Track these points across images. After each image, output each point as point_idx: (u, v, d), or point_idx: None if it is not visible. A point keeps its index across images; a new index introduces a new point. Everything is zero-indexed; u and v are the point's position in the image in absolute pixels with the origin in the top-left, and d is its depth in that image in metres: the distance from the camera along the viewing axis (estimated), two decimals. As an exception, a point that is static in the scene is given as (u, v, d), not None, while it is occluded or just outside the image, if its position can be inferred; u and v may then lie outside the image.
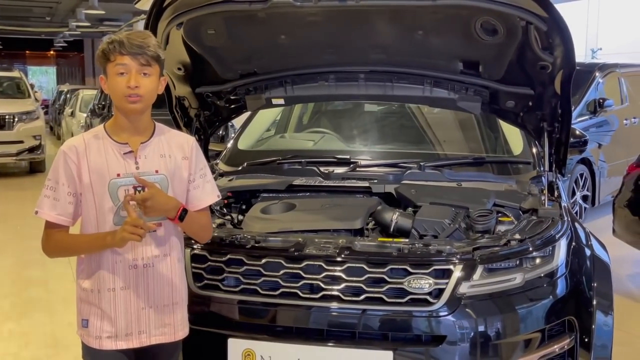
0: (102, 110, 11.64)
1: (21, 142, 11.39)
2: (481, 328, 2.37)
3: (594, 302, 2.68)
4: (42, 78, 37.86)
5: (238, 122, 4.26)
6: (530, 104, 3.12)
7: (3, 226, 7.83)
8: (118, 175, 2.13)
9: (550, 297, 2.53)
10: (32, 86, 13.85)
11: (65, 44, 30.75)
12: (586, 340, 2.59)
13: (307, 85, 3.32)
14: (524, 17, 2.63)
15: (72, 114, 15.39)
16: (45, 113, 16.94)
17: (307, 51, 3.16)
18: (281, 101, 3.41)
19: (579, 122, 7.90)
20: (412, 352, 2.35)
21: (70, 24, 22.17)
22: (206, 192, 2.29)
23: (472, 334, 2.36)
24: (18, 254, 6.52)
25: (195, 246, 2.63)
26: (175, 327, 2.25)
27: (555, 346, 2.48)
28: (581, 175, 7.95)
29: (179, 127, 3.46)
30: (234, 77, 3.35)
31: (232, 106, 3.54)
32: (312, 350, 2.39)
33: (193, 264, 2.59)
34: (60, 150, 2.17)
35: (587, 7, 14.69)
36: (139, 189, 2.12)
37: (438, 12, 2.75)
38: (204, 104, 3.47)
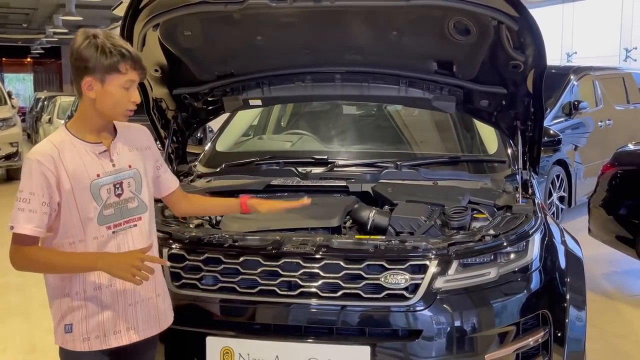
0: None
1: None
2: (457, 322, 2.40)
3: (568, 297, 2.72)
4: (19, 85, 37.49)
5: (215, 125, 4.27)
6: (504, 103, 3.17)
7: None
8: (98, 175, 2.11)
9: (525, 291, 2.57)
10: (9, 94, 13.71)
11: (42, 51, 30.55)
12: (560, 334, 2.63)
13: (284, 86, 3.35)
14: (496, 16, 2.68)
15: (50, 121, 15.28)
16: (23, 120, 16.79)
17: (284, 52, 3.19)
18: (258, 102, 3.43)
19: (554, 124, 8.01)
20: (390, 347, 2.38)
21: (47, 30, 22.03)
22: (172, 175, 2.46)
23: (447, 327, 2.39)
24: (-5, 261, 6.47)
25: (173, 246, 2.64)
26: (159, 319, 2.27)
27: (530, 339, 2.52)
28: (557, 176, 8.06)
29: (156, 129, 3.47)
30: (211, 79, 3.37)
31: (210, 108, 3.56)
32: (291, 347, 2.41)
33: (171, 264, 2.59)
34: (31, 159, 2.06)
35: (561, 12, 14.90)
36: (117, 185, 2.14)
37: (411, 13, 2.79)
38: (181, 106, 3.48)
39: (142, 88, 3.33)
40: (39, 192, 2.03)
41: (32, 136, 20.44)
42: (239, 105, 3.47)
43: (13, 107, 12.82)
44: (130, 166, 2.19)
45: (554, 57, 14.12)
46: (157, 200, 3.02)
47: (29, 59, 36.58)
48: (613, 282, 5.84)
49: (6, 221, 2.09)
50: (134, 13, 2.87)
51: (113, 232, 2.14)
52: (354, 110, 4.38)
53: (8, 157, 11.57)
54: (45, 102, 18.58)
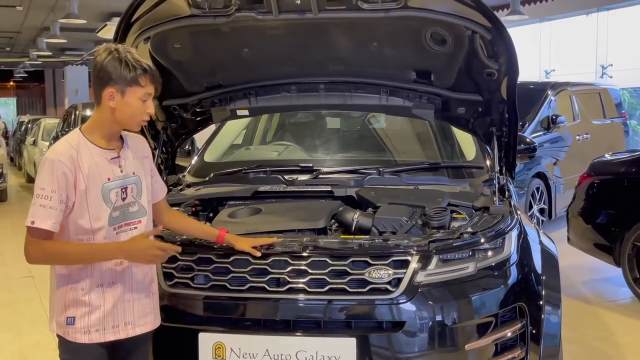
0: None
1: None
2: (438, 313, 2.52)
3: (543, 293, 2.84)
4: (2, 109, 37.31)
5: (200, 140, 4.40)
6: (480, 109, 3.32)
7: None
8: (109, 179, 2.27)
9: (502, 285, 2.70)
10: None
11: (26, 74, 30.46)
12: (535, 330, 2.74)
13: (270, 96, 3.48)
14: (469, 26, 2.84)
15: (34, 143, 15.27)
16: (6, 144, 16.76)
17: (270, 63, 3.32)
18: (245, 112, 3.56)
19: (534, 138, 8.21)
20: (374, 338, 2.49)
21: (31, 53, 22.02)
22: (162, 185, 2.60)
23: (429, 319, 2.51)
24: (-17, 279, 6.51)
25: (165, 247, 2.74)
26: (155, 316, 2.42)
27: (507, 330, 2.64)
28: (537, 189, 8.23)
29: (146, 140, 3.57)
30: (200, 90, 3.49)
31: (198, 118, 3.67)
32: (280, 340, 2.51)
33: (164, 264, 2.69)
34: (51, 158, 2.19)
35: (539, 31, 15.24)
36: (123, 189, 2.30)
37: (390, 24, 2.94)
38: (170, 117, 3.59)
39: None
40: (59, 190, 2.16)
41: (15, 159, 20.36)
42: (226, 115, 3.59)
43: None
44: (134, 173, 2.36)
45: (532, 75, 14.41)
46: None
47: (11, 83, 36.47)
48: (592, 288, 5.99)
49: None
50: (126, 26, 2.98)
51: (116, 233, 2.29)
52: (338, 124, 4.52)
53: (-7, 177, 11.58)
54: (29, 125, 18.60)
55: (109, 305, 2.27)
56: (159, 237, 2.80)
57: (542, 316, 2.77)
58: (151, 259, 2.27)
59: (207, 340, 2.55)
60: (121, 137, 2.37)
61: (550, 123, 8.56)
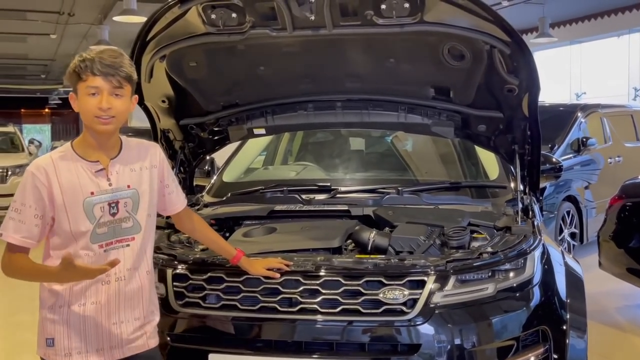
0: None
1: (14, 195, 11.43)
2: (455, 336, 2.43)
3: (568, 317, 2.73)
4: (37, 136, 38.15)
5: (220, 160, 4.39)
6: (501, 127, 3.24)
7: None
8: (92, 193, 2.12)
9: (523, 307, 2.59)
10: (31, 142, 14.09)
11: (60, 101, 31.13)
12: (558, 357, 2.62)
13: (286, 114, 3.45)
14: (488, 41, 2.77)
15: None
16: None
17: (286, 81, 3.30)
18: (262, 131, 3.53)
19: (563, 160, 8.06)
20: (388, 362, 2.40)
21: (64, 80, 22.50)
22: (180, 195, 2.44)
23: (446, 342, 2.41)
24: (7, 301, 6.53)
25: (178, 267, 2.70)
26: (148, 336, 2.25)
27: (530, 355, 2.53)
28: (568, 212, 8.05)
29: None
30: (217, 109, 3.47)
31: (216, 138, 3.65)
32: (291, 362, 2.44)
33: (174, 283, 2.65)
34: (27, 171, 2.10)
35: (569, 54, 15.07)
36: (112, 204, 2.15)
37: (407, 40, 2.89)
38: (188, 136, 3.58)
39: (150, 119, 3.44)
40: (31, 204, 2.06)
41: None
42: (243, 134, 3.57)
43: (30, 153, 13.10)
44: (129, 186, 2.19)
45: (563, 98, 14.22)
46: (165, 226, 3.10)
47: (46, 110, 37.32)
48: (626, 315, 5.78)
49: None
50: (141, 45, 2.98)
51: (105, 251, 2.14)
52: (363, 146, 4.46)
53: (24, 202, 11.74)
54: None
55: (92, 325, 2.13)
56: (172, 256, 2.77)
57: (567, 341, 2.66)
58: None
59: (217, 362, 2.49)
60: (120, 148, 2.22)
61: (580, 145, 8.40)
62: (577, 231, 8.19)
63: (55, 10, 12.42)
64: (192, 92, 3.33)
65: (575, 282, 2.95)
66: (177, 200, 2.45)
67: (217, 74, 3.25)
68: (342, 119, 3.43)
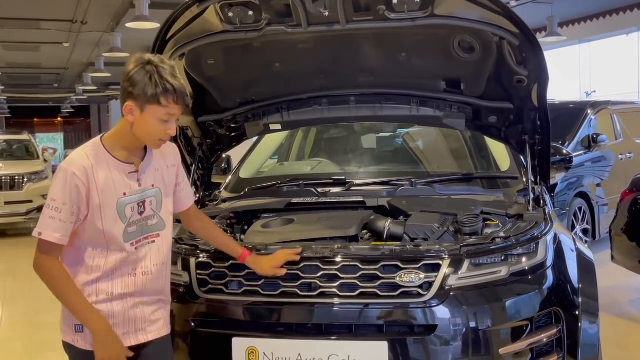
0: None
1: (30, 201, 11.54)
2: (470, 317, 2.50)
3: (580, 301, 2.78)
4: (50, 144, 38.49)
5: (236, 159, 4.49)
6: (511, 117, 3.31)
7: (15, 280, 7.98)
8: (124, 194, 2.20)
9: (536, 289, 2.66)
10: (45, 150, 14.30)
11: (72, 110, 31.43)
12: (571, 340, 2.68)
13: (302, 110, 3.54)
14: (497, 33, 2.85)
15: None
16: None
17: (300, 77, 3.39)
18: (278, 126, 3.62)
19: (575, 158, 8.10)
20: (406, 342, 2.48)
21: (77, 88, 22.75)
22: (189, 193, 2.54)
23: (461, 322, 2.49)
24: (29, 303, 6.66)
25: (200, 255, 2.79)
26: (165, 322, 2.38)
27: (543, 335, 2.60)
28: (580, 209, 8.08)
29: (183, 157, 3.66)
30: (234, 106, 3.57)
31: (233, 134, 3.75)
32: (312, 345, 2.52)
33: (198, 271, 2.74)
34: (65, 169, 2.12)
35: (578, 52, 15.08)
36: (140, 204, 2.25)
37: (418, 34, 2.98)
38: (206, 133, 3.68)
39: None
40: (70, 203, 2.12)
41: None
42: (260, 130, 3.66)
43: (45, 160, 13.27)
44: (153, 185, 2.30)
45: (573, 97, 14.23)
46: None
47: (59, 119, 37.68)
48: (639, 307, 5.82)
49: (32, 270, 2.20)
50: (161, 44, 3.08)
51: (135, 249, 2.25)
52: (374, 144, 4.53)
53: (40, 208, 11.78)
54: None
55: (119, 312, 2.23)
56: (194, 246, 2.86)
57: (579, 324, 2.72)
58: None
59: (240, 345, 2.58)
60: (145, 148, 2.30)
61: (591, 142, 8.44)
62: (589, 227, 8.23)
63: (69, 19, 12.58)
64: (210, 90, 3.42)
65: (586, 266, 3.01)
66: (187, 198, 2.54)
67: (234, 71, 3.34)
68: (356, 113, 3.52)
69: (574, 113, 8.70)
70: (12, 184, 11.64)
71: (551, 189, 8.22)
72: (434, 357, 2.46)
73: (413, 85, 3.34)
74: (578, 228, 7.98)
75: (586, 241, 8.14)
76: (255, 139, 4.34)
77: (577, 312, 2.74)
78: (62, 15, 12.42)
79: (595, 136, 8.45)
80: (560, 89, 13.94)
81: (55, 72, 21.11)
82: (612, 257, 5.99)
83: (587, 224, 8.21)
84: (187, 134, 3.62)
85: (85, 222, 2.18)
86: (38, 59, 18.12)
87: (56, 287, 2.18)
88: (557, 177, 7.95)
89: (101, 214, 2.17)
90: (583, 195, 8.20)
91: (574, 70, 15.15)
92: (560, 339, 2.65)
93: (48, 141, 39.08)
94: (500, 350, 2.50)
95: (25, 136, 13.92)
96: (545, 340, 2.60)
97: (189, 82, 3.34)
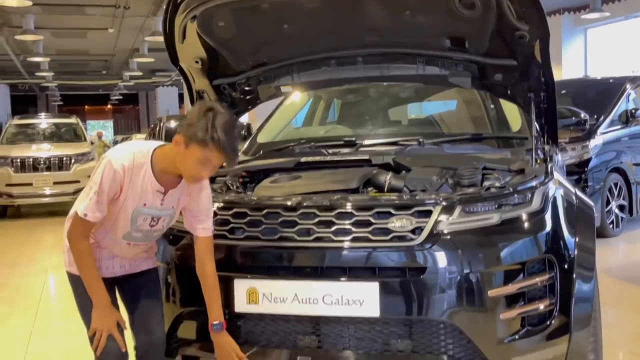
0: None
1: (77, 181, 11.90)
2: (459, 259, 2.57)
3: (575, 252, 2.77)
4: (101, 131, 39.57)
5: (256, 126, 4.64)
6: (516, 75, 3.34)
7: (60, 253, 8.35)
8: (144, 204, 2.53)
9: (528, 235, 2.69)
10: (99, 135, 14.77)
11: (121, 97, 32.19)
12: (565, 291, 2.68)
13: (311, 71, 3.63)
14: None
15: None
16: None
17: (308, 38, 3.48)
18: (289, 88, 3.73)
19: (611, 132, 7.98)
20: (396, 283, 2.58)
21: (124, 75, 23.32)
22: (205, 231, 2.73)
23: (450, 264, 2.56)
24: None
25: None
26: (152, 261, 2.88)
27: (534, 279, 2.64)
28: (615, 184, 7.96)
29: None
30: (246, 68, 3.68)
31: (247, 97, 3.86)
32: (308, 286, 2.64)
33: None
34: (112, 164, 2.43)
35: (625, 29, 14.68)
36: (155, 219, 2.59)
37: None
38: (221, 96, 3.80)
39: (186, 82, 3.70)
40: (109, 190, 2.45)
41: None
42: (272, 92, 3.77)
43: (92, 142, 13.71)
44: (173, 207, 2.62)
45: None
46: None
47: (109, 107, 38.65)
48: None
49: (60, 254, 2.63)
50: (174, 7, 3.20)
51: (128, 244, 2.65)
52: (404, 116, 4.61)
53: (87, 188, 12.30)
54: (121, 141, 19.83)
55: (105, 254, 2.68)
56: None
57: (573, 276, 2.72)
58: (101, 332, 2.50)
59: (241, 286, 2.72)
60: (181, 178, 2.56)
61: (628, 117, 8.29)
62: (625, 203, 8.09)
63: (112, 4, 12.94)
64: (222, 52, 3.53)
65: (586, 222, 2.99)
66: (200, 227, 2.70)
67: (244, 33, 3.44)
68: (364, 73, 3.59)
69: (612, 88, 8.56)
70: (60, 165, 12.06)
71: (585, 163, 8.07)
72: (421, 298, 2.54)
73: (418, 44, 3.39)
74: (613, 204, 7.86)
75: (622, 218, 8.01)
76: (274, 106, 4.46)
77: (571, 264, 2.74)
78: (105, 1, 12.79)
79: (633, 111, 8.29)
80: (607, 68, 13.62)
81: (102, 58, 21.71)
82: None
83: (623, 199, 8.07)
84: (203, 97, 3.76)
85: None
86: (85, 45, 18.67)
87: (80, 257, 2.56)
88: (590, 152, 7.84)
89: (119, 211, 2.52)
90: (620, 171, 8.07)
91: (621, 49, 14.77)
92: (553, 286, 2.68)
93: (99, 128, 40.19)
94: (489, 292, 2.55)
95: (73, 120, 14.38)
96: (538, 284, 2.64)
97: (202, 45, 3.47)
